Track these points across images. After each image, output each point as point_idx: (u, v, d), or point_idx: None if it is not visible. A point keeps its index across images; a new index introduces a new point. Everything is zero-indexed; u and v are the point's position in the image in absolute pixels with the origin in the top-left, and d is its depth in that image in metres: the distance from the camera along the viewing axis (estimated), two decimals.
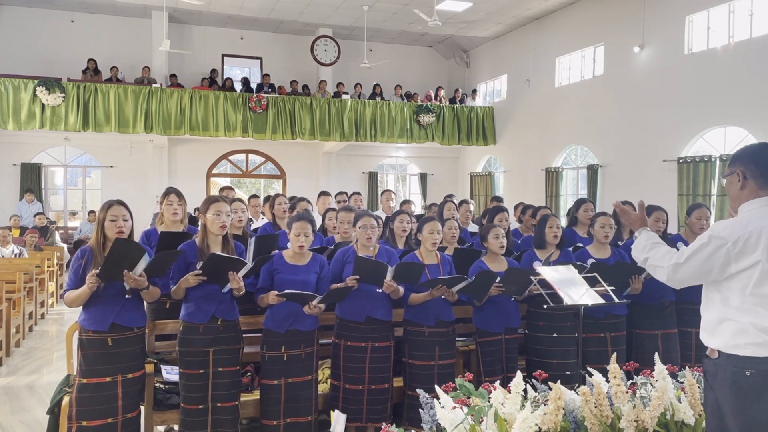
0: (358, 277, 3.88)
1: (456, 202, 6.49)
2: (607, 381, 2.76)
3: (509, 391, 2.60)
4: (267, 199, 6.36)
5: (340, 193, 7.21)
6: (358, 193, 7.22)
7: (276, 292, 3.75)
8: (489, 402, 2.62)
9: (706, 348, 2.49)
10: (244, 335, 3.92)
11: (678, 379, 3.01)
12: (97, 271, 3.26)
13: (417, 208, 11.86)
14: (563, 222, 5.53)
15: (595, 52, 12.65)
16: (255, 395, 4.04)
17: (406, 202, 7.32)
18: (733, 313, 2.38)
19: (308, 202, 5.90)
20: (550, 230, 4.50)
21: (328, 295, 3.82)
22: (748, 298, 2.35)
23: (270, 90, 14.21)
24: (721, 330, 2.40)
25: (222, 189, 6.76)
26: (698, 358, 4.51)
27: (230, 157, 15.64)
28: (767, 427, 2.27)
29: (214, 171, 15.53)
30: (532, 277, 4.03)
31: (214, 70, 14.60)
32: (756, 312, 2.33)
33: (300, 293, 3.70)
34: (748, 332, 2.32)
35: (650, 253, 2.61)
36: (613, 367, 2.71)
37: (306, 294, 3.71)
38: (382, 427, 2.50)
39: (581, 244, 4.98)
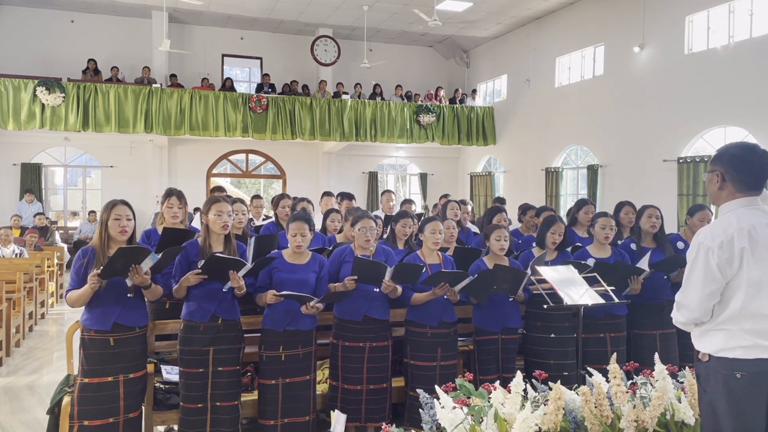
0: (356, 277, 3.89)
1: (456, 201, 6.46)
2: (607, 381, 2.76)
3: (509, 391, 2.61)
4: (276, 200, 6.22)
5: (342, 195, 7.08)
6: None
7: (274, 292, 3.76)
8: (489, 402, 2.62)
9: (698, 351, 2.51)
10: (245, 335, 3.92)
11: (678, 379, 3.01)
12: (99, 270, 3.27)
13: (417, 208, 11.84)
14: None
15: (595, 52, 12.66)
16: (255, 395, 4.04)
17: (408, 201, 7.24)
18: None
19: (309, 202, 5.89)
20: (551, 236, 4.49)
21: (326, 297, 3.84)
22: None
23: (270, 90, 14.21)
24: (711, 335, 2.43)
25: (213, 189, 6.70)
26: None
27: (230, 157, 15.64)
28: (760, 428, 2.31)
29: (214, 171, 15.53)
30: (531, 277, 4.03)
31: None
32: (744, 317, 2.36)
33: (298, 294, 3.71)
34: (736, 336, 2.36)
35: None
36: (613, 367, 2.71)
37: (304, 296, 3.72)
38: (382, 426, 2.51)
39: (580, 244, 4.99)
